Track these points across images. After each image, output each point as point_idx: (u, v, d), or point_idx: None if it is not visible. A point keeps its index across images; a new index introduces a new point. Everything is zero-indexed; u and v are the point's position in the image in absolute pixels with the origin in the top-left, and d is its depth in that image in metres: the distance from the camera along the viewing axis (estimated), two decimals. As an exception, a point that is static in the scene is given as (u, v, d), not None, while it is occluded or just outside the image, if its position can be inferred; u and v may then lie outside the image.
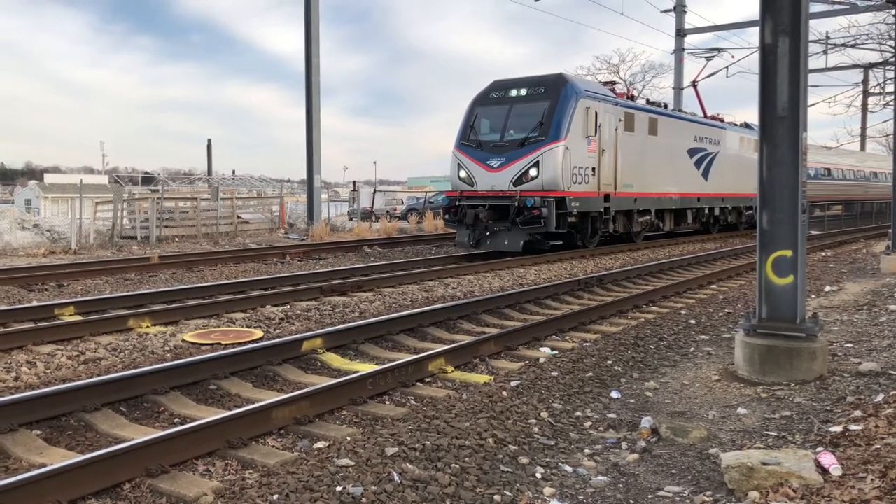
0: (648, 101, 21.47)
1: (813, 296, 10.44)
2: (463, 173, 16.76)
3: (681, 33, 34.60)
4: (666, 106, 22.56)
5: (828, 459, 3.91)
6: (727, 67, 29.11)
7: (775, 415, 5.10)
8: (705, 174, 22.71)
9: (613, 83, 20.26)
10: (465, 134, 17.15)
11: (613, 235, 18.86)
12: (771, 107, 6.05)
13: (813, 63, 24.86)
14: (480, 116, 17.21)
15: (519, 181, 15.85)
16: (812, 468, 3.79)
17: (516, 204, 15.55)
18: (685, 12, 34.57)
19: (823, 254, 17.93)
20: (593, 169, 16.95)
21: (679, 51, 34.36)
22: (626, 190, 18.36)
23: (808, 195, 6.22)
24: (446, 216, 17.16)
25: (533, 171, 15.75)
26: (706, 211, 23.10)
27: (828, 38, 28.45)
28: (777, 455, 3.96)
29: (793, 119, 5.96)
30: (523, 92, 16.83)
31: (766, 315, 6.10)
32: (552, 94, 16.36)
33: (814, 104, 30.09)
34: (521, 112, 16.59)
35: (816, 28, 30.85)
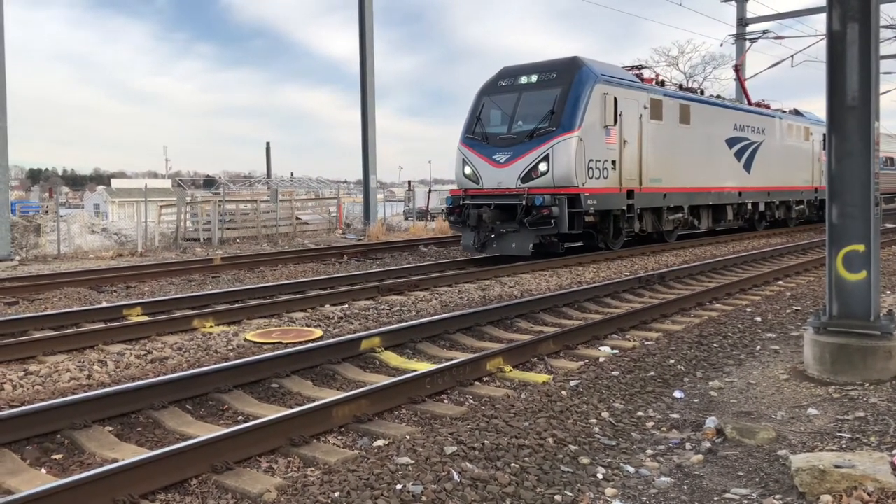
0: (680, 87, 20.03)
1: (888, 292, 10.01)
2: (468, 170, 15.31)
3: (742, 22, 33.62)
4: (702, 92, 20.99)
5: (906, 463, 3.75)
6: (792, 56, 28.12)
7: (848, 416, 4.91)
8: (747, 166, 20.92)
9: (640, 67, 18.30)
10: (471, 127, 15.70)
11: (641, 235, 17.14)
12: (840, 96, 5.83)
13: (884, 49, 23.82)
14: (487, 107, 15.67)
15: (527, 177, 14.31)
16: (888, 471, 3.64)
17: (524, 203, 14.00)
18: (747, 0, 33.60)
19: (897, 248, 17.19)
20: (613, 162, 15.27)
21: (739, 39, 33.40)
22: (653, 185, 16.60)
23: None
24: (450, 217, 15.63)
25: (543, 166, 14.18)
26: (749, 206, 21.19)
27: (900, 23, 27.28)
28: (851, 457, 3.82)
29: (863, 108, 5.73)
30: (534, 78, 15.25)
31: (837, 312, 5.88)
32: (565, 79, 14.75)
33: (886, 92, 28.79)
34: (530, 100, 15.02)
35: (887, 13, 29.53)
